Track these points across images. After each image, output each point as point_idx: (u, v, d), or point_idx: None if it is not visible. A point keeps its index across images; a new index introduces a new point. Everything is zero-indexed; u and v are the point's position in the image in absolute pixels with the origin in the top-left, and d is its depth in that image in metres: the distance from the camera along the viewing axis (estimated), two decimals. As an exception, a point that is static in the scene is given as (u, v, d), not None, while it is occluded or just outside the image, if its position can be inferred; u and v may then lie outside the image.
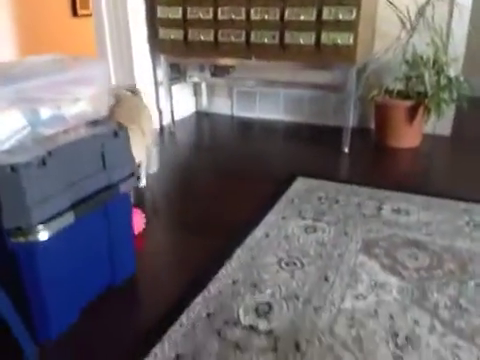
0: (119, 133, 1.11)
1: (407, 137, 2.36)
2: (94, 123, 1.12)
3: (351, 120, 2.30)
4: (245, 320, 1.12)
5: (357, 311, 1.15)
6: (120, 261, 1.22)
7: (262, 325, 1.10)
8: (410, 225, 1.57)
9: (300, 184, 1.93)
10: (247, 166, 2.19)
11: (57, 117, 1.05)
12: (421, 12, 2.20)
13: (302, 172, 2.04)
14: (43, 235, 0.90)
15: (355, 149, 2.34)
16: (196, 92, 3.04)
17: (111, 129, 1.09)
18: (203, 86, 2.96)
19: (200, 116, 3.04)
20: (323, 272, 1.32)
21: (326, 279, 1.28)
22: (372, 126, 2.58)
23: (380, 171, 2.13)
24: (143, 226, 1.56)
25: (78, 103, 1.09)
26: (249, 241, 1.49)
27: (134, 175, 1.16)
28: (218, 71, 2.69)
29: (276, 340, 1.05)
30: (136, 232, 1.49)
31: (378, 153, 2.34)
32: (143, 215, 1.57)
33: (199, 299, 1.20)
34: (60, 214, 0.95)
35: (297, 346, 1.04)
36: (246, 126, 2.87)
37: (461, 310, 1.14)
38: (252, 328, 1.09)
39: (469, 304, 1.17)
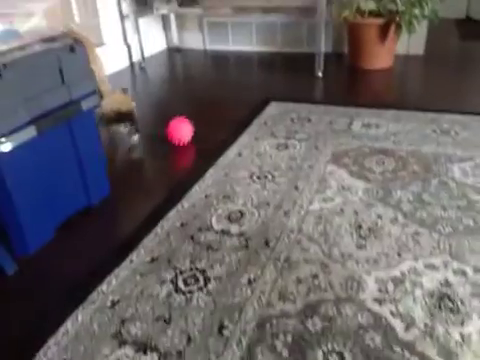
0: (76, 49, 1.09)
1: (380, 57, 2.35)
2: (50, 39, 1.09)
3: (323, 43, 2.26)
4: (218, 226, 1.17)
5: (324, 211, 1.20)
6: (93, 182, 1.24)
7: (234, 229, 1.15)
8: (379, 136, 1.61)
9: (273, 108, 1.94)
10: (221, 95, 2.18)
11: (10, 32, 1.02)
12: None
13: (276, 97, 2.04)
14: (5, 147, 0.91)
15: (329, 73, 2.33)
16: (165, 26, 2.95)
17: (67, 44, 1.07)
18: (172, 18, 2.86)
19: (171, 52, 2.96)
20: (293, 182, 1.36)
21: (296, 188, 1.33)
22: (346, 51, 2.56)
23: (352, 91, 2.14)
24: (192, 134, 1.65)
25: (31, 18, 1.06)
26: (222, 160, 1.52)
27: (96, 93, 1.15)
28: (186, 1, 2.59)
29: (247, 240, 1.11)
30: (187, 139, 1.64)
31: (351, 75, 2.33)
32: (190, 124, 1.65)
33: (173, 212, 1.24)
34: (21, 128, 0.95)
35: (267, 243, 1.09)
36: (219, 59, 2.82)
37: (423, 203, 1.20)
38: (224, 232, 1.14)
39: (431, 198, 1.22)
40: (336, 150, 1.54)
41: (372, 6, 2.31)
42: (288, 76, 2.39)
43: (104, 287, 0.99)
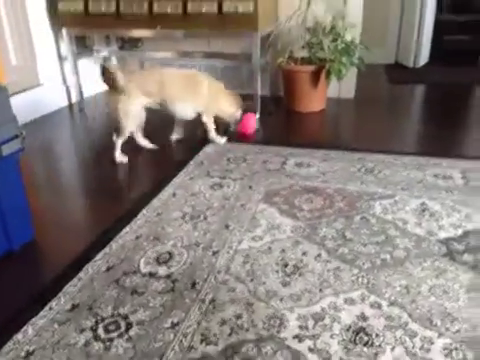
0: (-4, 92, 1.07)
1: (313, 101, 2.49)
2: (-31, 82, 1.08)
3: (259, 86, 2.37)
4: (145, 268, 1.16)
5: (253, 250, 1.22)
6: (14, 227, 1.20)
7: (161, 271, 1.14)
8: (310, 175, 1.68)
9: (211, 148, 1.98)
10: (161, 135, 2.19)
11: None
12: (316, -20, 2.31)
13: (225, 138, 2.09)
14: None
15: (266, 115, 2.43)
16: (108, 68, 2.97)
17: (-13, 88, 1.06)
18: (113, 61, 2.90)
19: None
20: (225, 222, 1.38)
21: (227, 227, 1.35)
22: (283, 94, 2.69)
23: (287, 132, 2.24)
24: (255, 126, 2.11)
25: None
26: (156, 201, 1.52)
27: (19, 137, 1.13)
28: (127, 44, 2.64)
29: (174, 282, 1.10)
30: (251, 131, 2.11)
31: (287, 117, 2.44)
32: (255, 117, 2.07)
33: (100, 255, 1.22)
34: None
35: (193, 284, 1.09)
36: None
37: (346, 240, 1.26)
38: (151, 275, 1.13)
39: (353, 235, 1.28)
40: (269, 189, 1.58)
41: (304, 54, 2.47)
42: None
43: (19, 336, 0.95)
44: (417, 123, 2.30)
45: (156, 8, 2.24)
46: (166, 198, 1.53)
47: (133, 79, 1.83)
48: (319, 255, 1.19)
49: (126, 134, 1.83)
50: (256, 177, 1.68)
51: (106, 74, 1.74)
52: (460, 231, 1.27)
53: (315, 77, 2.41)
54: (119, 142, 1.83)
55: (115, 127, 1.83)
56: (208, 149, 1.97)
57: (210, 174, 1.71)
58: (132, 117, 1.81)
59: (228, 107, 2.03)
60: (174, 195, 1.55)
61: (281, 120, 2.44)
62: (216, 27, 2.23)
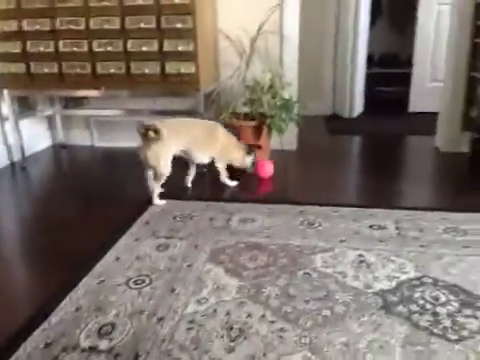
0: None
1: (257, 154, 2.58)
2: None
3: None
4: (85, 342, 1.12)
5: (198, 314, 1.22)
6: None
7: (103, 345, 1.11)
8: (254, 231, 1.72)
9: (157, 206, 1.98)
10: (105, 194, 2.18)
11: None
12: (252, 43, 2.46)
13: (161, 195, 2.10)
14: None
15: (213, 168, 2.48)
16: (51, 125, 2.94)
17: None
18: (58, 119, 2.88)
19: (56, 149, 2.93)
20: (170, 285, 1.37)
21: (173, 291, 1.34)
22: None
23: (233, 186, 2.29)
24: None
25: None
26: (98, 267, 1.48)
27: None
28: (72, 103, 2.65)
29: (116, 356, 1.07)
30: (268, 175, 2.34)
31: (233, 170, 2.51)
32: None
33: (38, 332, 1.16)
34: None
35: (136, 357, 1.06)
36: (107, 156, 2.85)
37: (289, 298, 1.29)
38: (92, 349, 1.09)
39: (296, 291, 1.32)
40: (215, 247, 1.60)
41: (246, 109, 2.59)
42: (175, 173, 2.49)
43: None
44: (354, 174, 2.45)
45: (99, 69, 2.29)
46: (109, 263, 1.51)
47: (168, 129, 1.95)
48: (263, 316, 1.21)
49: (164, 179, 1.99)
50: (202, 235, 1.70)
51: (146, 127, 1.90)
52: (394, 282, 1.35)
53: (257, 131, 2.52)
54: (157, 187, 2.00)
55: (154, 174, 1.99)
56: (154, 207, 1.97)
57: (156, 234, 1.71)
58: (168, 163, 1.99)
59: (239, 155, 2.26)
60: (118, 259, 1.53)
61: (228, 173, 2.50)
62: (159, 87, 2.31)
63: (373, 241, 1.61)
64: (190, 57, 2.23)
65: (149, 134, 1.90)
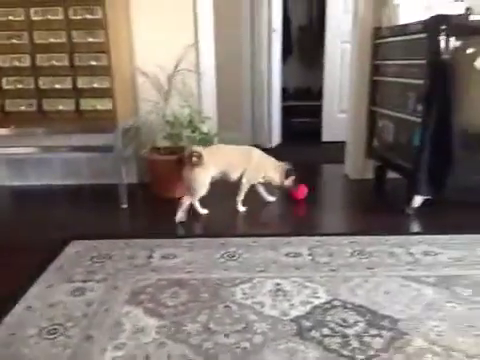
0: None
1: (179, 187, 2.60)
2: None
3: (125, 177, 2.42)
4: (-10, 406, 1.04)
5: (116, 361, 1.19)
6: None
7: (11, 405, 1.04)
8: (176, 267, 1.73)
9: (72, 248, 1.91)
10: (16, 238, 2.05)
11: None
12: (170, 80, 2.52)
13: (77, 235, 2.03)
14: None
15: (133, 204, 2.46)
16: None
17: None
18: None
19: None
20: (86, 332, 1.32)
21: (89, 338, 1.30)
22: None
23: (155, 222, 2.29)
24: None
25: None
26: (8, 319, 1.39)
27: None
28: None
29: None
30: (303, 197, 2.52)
31: (154, 205, 2.51)
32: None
33: None
34: None
35: None
36: (20, 195, 2.70)
37: (210, 333, 1.31)
38: None
39: (217, 326, 1.34)
40: (134, 287, 1.58)
41: (167, 144, 2.62)
42: (93, 210, 2.43)
43: None
44: (274, 203, 2.55)
45: (8, 106, 2.20)
46: (20, 313, 1.42)
47: (209, 154, 2.23)
48: (184, 355, 1.21)
49: (199, 197, 2.29)
50: (121, 275, 1.66)
51: (191, 153, 2.20)
52: (308, 307, 1.43)
53: (179, 165, 2.54)
54: (190, 202, 2.28)
55: (190, 191, 2.26)
56: (69, 249, 1.90)
57: (71, 279, 1.64)
58: (207, 184, 2.26)
59: (275, 176, 2.44)
60: (29, 308, 1.45)
61: (149, 208, 2.49)
62: (74, 124, 2.26)
63: (289, 269, 1.70)
64: (106, 93, 2.23)
65: (193, 159, 2.19)
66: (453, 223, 2.10)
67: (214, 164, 2.28)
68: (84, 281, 1.62)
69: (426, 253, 1.80)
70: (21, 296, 1.51)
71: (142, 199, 2.58)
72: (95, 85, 2.21)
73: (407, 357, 1.18)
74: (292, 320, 1.36)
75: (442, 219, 2.17)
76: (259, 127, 4.05)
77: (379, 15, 2.63)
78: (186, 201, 2.26)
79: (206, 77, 2.73)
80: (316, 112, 4.26)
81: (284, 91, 4.31)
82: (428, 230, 2.04)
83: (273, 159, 2.48)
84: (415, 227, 2.14)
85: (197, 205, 2.34)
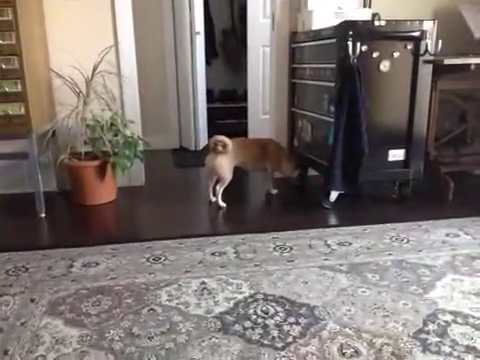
0: None
1: (102, 193, 2.54)
2: None
3: (41, 185, 2.31)
4: None
5: (33, 375, 1.15)
6: None
7: None
8: (98, 275, 1.69)
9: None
10: None
11: None
12: (88, 83, 2.45)
13: (-9, 248, 1.91)
14: None
15: (53, 213, 2.35)
16: None
17: None
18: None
19: None
20: (2, 346, 1.26)
21: (6, 353, 1.23)
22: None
23: (76, 230, 2.21)
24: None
25: None
26: None
27: None
28: None
29: None
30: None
31: (76, 213, 2.42)
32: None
33: None
34: None
35: None
36: None
37: (133, 337, 1.30)
38: None
39: (140, 330, 1.34)
40: (53, 298, 1.52)
41: (88, 149, 2.53)
42: (8, 221, 2.29)
43: None
44: (200, 205, 2.58)
45: None
46: None
47: (234, 144, 2.39)
48: (106, 361, 1.20)
49: (226, 183, 2.41)
50: (39, 287, 1.60)
51: (216, 141, 2.35)
52: (232, 303, 1.47)
53: (101, 170, 2.48)
54: (221, 191, 2.42)
55: (218, 179, 2.43)
56: (-18, 263, 1.78)
57: (-16, 294, 1.55)
58: (231, 171, 2.42)
59: (287, 167, 2.61)
60: None
61: (69, 216, 2.40)
62: (-16, 130, 2.12)
63: (215, 267, 1.74)
64: (19, 98, 2.11)
65: (218, 147, 2.33)
66: (364, 215, 2.27)
67: (236, 155, 2.43)
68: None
69: (341, 243, 1.94)
70: None
71: (63, 207, 2.48)
72: (6, 89, 2.08)
73: (321, 341, 1.27)
74: (216, 317, 1.40)
75: (355, 212, 2.34)
76: (186, 130, 4.05)
77: (295, 20, 2.76)
78: (220, 188, 2.41)
79: (128, 80, 2.69)
80: (242, 113, 4.36)
81: (210, 93, 4.35)
82: (343, 222, 2.19)
83: (286, 150, 2.75)
84: (332, 220, 2.28)
85: (219, 197, 2.43)
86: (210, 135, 4.21)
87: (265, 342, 1.27)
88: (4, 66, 2.06)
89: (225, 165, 2.39)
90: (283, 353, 1.23)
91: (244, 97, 4.51)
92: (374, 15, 2.69)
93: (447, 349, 1.22)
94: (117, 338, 1.30)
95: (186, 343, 1.27)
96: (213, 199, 2.50)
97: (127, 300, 1.50)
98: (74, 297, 1.53)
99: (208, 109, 4.23)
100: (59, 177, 2.71)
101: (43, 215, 2.29)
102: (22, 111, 2.13)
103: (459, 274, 1.64)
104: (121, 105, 2.72)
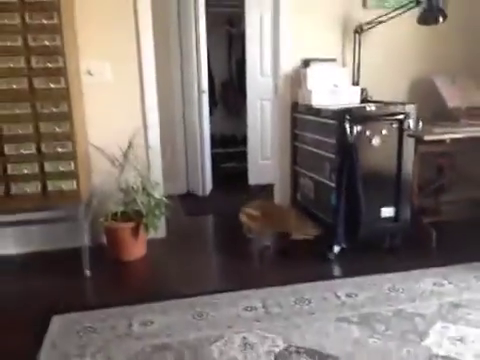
0: None
1: (135, 249, 2.89)
2: None
3: (87, 248, 2.65)
4: None
5: None
6: None
7: None
8: (156, 332, 2.04)
9: (56, 324, 2.12)
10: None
11: None
12: (125, 155, 2.83)
13: (54, 310, 2.22)
14: None
15: (95, 271, 2.67)
16: None
17: None
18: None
19: None
20: (101, 403, 1.61)
21: None
22: (104, 241, 3.00)
23: (123, 288, 2.54)
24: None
25: None
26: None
27: None
28: None
29: None
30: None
31: (116, 270, 2.75)
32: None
33: None
34: None
35: None
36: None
37: (202, 389, 1.67)
38: None
39: (206, 382, 1.71)
40: (126, 356, 1.87)
41: (122, 208, 2.89)
42: (57, 280, 2.60)
43: None
44: (221, 257, 2.95)
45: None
46: (34, 396, 1.64)
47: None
48: None
49: None
50: (112, 346, 1.94)
51: None
52: (272, 357, 1.86)
53: (136, 230, 2.84)
54: None
55: None
56: (53, 326, 2.10)
57: (68, 355, 1.88)
58: None
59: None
60: (41, 390, 1.67)
61: (112, 275, 2.70)
62: (41, 205, 2.47)
63: (251, 322, 2.12)
64: (71, 176, 2.47)
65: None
66: (363, 266, 2.68)
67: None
68: (80, 356, 1.87)
69: (348, 295, 2.35)
70: (29, 379, 1.73)
71: (102, 265, 2.76)
72: (60, 168, 2.44)
73: (348, 386, 1.67)
74: (263, 368, 1.78)
75: (356, 263, 2.76)
76: (193, 176, 4.44)
77: (296, 93, 3.22)
78: None
79: (154, 150, 3.09)
80: (241, 157, 4.79)
81: (212, 139, 4.75)
82: (347, 274, 2.61)
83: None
84: (337, 272, 2.70)
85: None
86: (214, 179, 4.63)
87: (305, 388, 1.67)
88: (60, 150, 2.42)
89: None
90: (321, 397, 1.62)
91: (242, 141, 4.96)
92: (362, 90, 3.19)
93: (442, 390, 1.64)
94: (190, 390, 1.67)
95: (245, 392, 1.65)
96: None
97: (186, 357, 1.87)
98: (143, 354, 1.88)
99: (211, 153, 4.63)
100: (93, 233, 3.04)
101: (88, 273, 2.62)
102: (74, 187, 2.49)
103: (446, 322, 2.07)
104: (147, 169, 3.09)
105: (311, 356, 1.85)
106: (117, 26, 2.90)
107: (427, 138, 2.69)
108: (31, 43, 2.28)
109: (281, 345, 1.93)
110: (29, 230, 2.96)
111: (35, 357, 1.86)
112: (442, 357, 1.82)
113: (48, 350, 1.92)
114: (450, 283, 2.45)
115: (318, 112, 2.88)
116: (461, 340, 1.93)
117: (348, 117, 2.61)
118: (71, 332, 2.05)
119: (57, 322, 2.14)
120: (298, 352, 1.88)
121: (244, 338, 1.99)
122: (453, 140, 2.76)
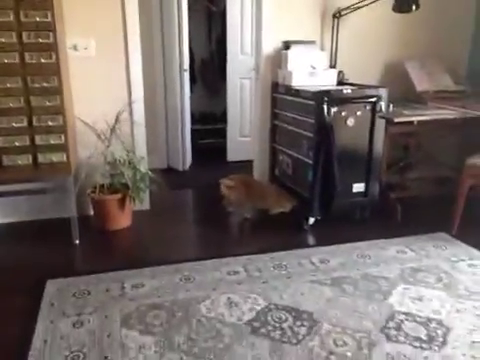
0: None
1: (122, 220, 3.03)
2: None
3: (75, 217, 2.77)
4: None
5: (135, 371, 1.69)
6: None
7: None
8: (147, 294, 2.22)
9: (52, 288, 2.26)
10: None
11: None
12: (112, 129, 2.93)
13: (48, 275, 2.35)
14: None
15: (83, 240, 2.80)
16: None
17: None
18: None
19: None
20: (102, 354, 1.78)
21: (106, 358, 1.76)
22: (90, 212, 3.13)
23: (112, 255, 2.69)
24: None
25: None
26: (33, 353, 1.77)
27: None
28: None
29: None
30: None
31: (104, 239, 2.89)
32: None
33: None
34: None
35: None
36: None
37: (193, 340, 1.87)
38: None
39: (196, 335, 1.90)
40: (122, 314, 2.04)
41: (108, 181, 3.01)
42: (47, 247, 2.72)
43: None
44: (205, 227, 3.13)
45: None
46: (39, 348, 1.80)
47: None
48: (181, 358, 1.76)
49: None
50: (107, 306, 2.11)
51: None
52: (254, 313, 2.07)
53: (122, 201, 2.97)
54: None
55: None
56: (49, 289, 2.24)
57: (66, 314, 2.04)
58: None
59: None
60: (46, 343, 1.83)
61: (99, 243, 2.85)
62: (32, 176, 2.57)
63: (233, 284, 2.32)
64: (62, 148, 2.56)
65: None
66: (335, 235, 2.93)
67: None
68: (78, 314, 2.03)
69: (322, 261, 2.59)
70: (31, 333, 1.88)
71: (90, 234, 2.90)
72: (51, 141, 2.52)
73: (321, 337, 1.91)
74: (246, 323, 1.99)
75: (329, 233, 2.99)
76: (173, 151, 4.56)
77: (276, 74, 3.37)
78: None
79: (139, 125, 3.19)
80: (221, 134, 4.94)
81: (192, 116, 4.86)
82: (321, 242, 2.85)
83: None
84: (312, 241, 2.94)
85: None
86: (193, 154, 4.77)
87: (284, 340, 1.89)
88: (51, 123, 2.50)
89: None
90: (298, 347, 1.85)
91: (221, 119, 5.09)
92: (339, 72, 3.37)
93: (402, 339, 1.90)
94: (182, 342, 1.86)
95: (231, 343, 1.86)
96: None
97: (178, 313, 2.06)
98: (137, 313, 2.06)
99: (191, 130, 4.75)
100: (79, 203, 3.14)
101: (77, 242, 2.75)
102: (64, 159, 2.58)
103: (407, 284, 2.34)
104: (132, 143, 3.20)
105: (289, 312, 2.08)
106: (102, 2, 2.94)
107: (397, 120, 2.92)
108: (23, 19, 2.32)
109: (262, 303, 2.15)
110: (16, 200, 3.04)
111: (36, 315, 2.01)
112: (403, 313, 2.08)
113: (48, 308, 2.07)
114: (412, 251, 2.72)
115: (297, 93, 3.05)
116: (420, 299, 2.20)
117: (326, 99, 2.79)
118: (67, 294, 2.20)
119: (52, 286, 2.28)
120: (277, 309, 2.11)
121: (229, 298, 2.19)
122: (420, 122, 3.00)
